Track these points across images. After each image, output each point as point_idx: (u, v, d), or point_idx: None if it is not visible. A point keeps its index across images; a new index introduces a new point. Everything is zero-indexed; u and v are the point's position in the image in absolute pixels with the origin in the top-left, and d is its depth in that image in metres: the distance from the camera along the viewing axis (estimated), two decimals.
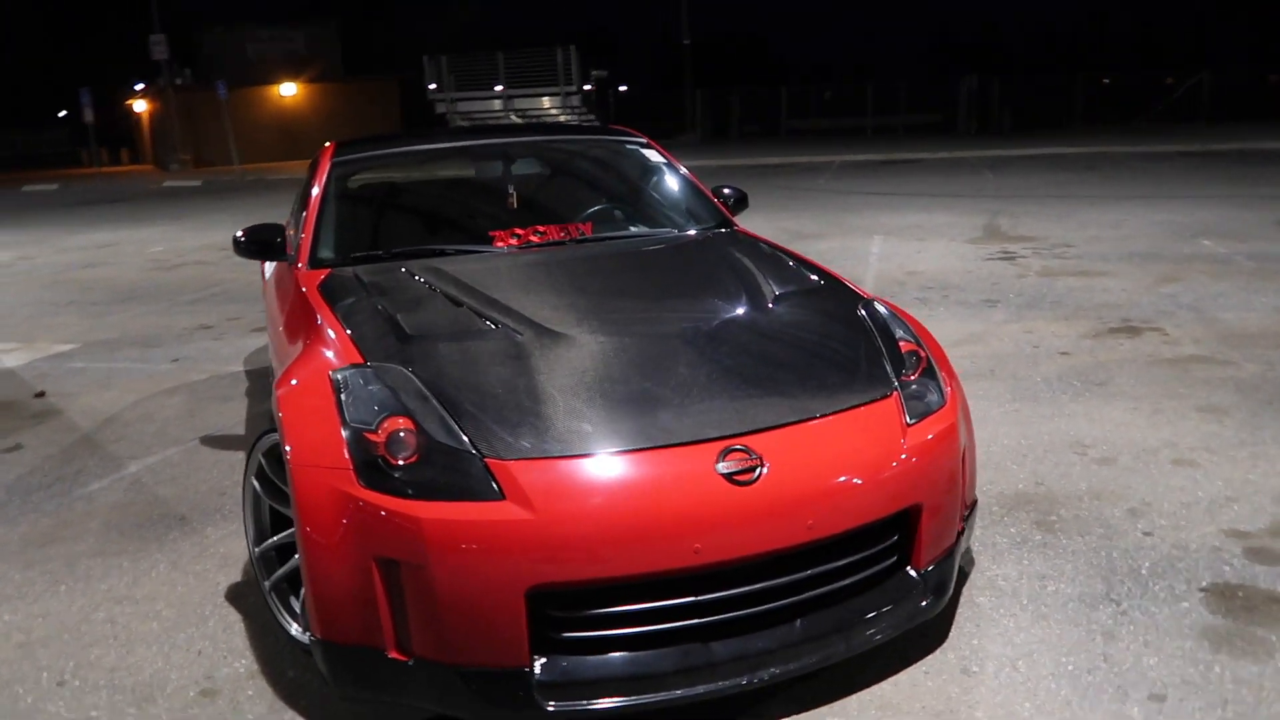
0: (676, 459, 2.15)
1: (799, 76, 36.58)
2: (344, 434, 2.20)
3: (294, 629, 2.50)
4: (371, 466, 2.14)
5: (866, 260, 8.43)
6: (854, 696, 2.31)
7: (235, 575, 3.08)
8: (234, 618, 2.84)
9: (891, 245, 9.20)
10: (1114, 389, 4.54)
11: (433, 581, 2.04)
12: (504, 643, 2.06)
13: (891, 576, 2.40)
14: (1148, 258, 7.88)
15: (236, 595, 2.96)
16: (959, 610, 2.67)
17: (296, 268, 3.32)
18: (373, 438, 2.17)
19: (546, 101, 32.96)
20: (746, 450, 2.17)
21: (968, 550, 3.00)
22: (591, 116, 33.74)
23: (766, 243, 3.47)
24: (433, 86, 32.17)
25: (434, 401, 2.25)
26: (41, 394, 5.40)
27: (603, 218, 3.70)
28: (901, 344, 2.64)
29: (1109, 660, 2.41)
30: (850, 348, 2.62)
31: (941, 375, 2.64)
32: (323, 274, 3.16)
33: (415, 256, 3.28)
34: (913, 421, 2.40)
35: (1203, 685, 2.30)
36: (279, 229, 3.49)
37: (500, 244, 3.37)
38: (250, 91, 34.46)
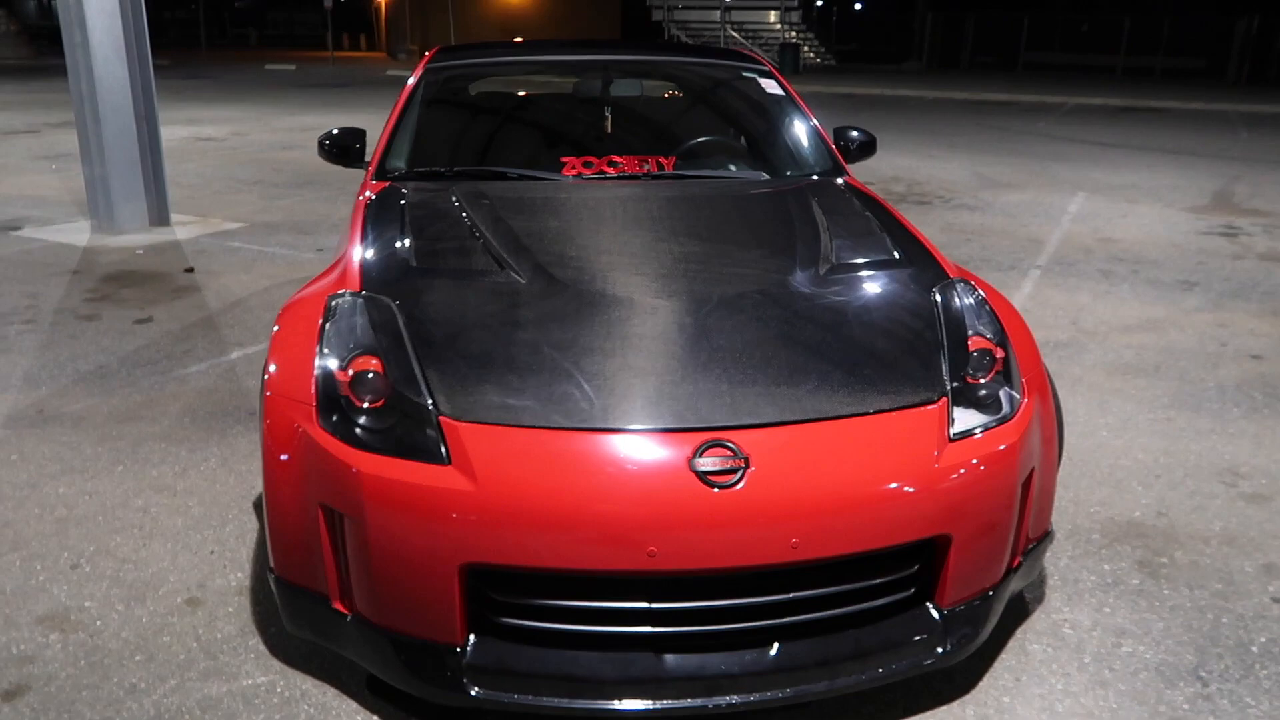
0: (645, 447, 1.87)
1: (1050, 3, 33.14)
2: (316, 365, 2.07)
3: None
4: (333, 405, 2.00)
5: (1058, 220, 7.56)
6: None
7: None
8: (251, 525, 2.84)
9: (1094, 205, 8.22)
10: None
11: (367, 539, 1.89)
12: (435, 616, 1.90)
13: (905, 611, 2.04)
14: None
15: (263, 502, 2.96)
16: (1001, 656, 2.28)
17: (368, 177, 3.21)
18: (340, 375, 2.03)
19: (771, 16, 31.75)
20: (732, 448, 1.86)
21: (1039, 582, 2.57)
22: (812, 35, 32.29)
23: (867, 197, 3.03)
24: None
25: (407, 344, 2.07)
26: (190, 270, 5.69)
27: (692, 153, 3.35)
28: (973, 340, 2.21)
29: None
30: (901, 338, 2.21)
31: (1021, 383, 2.20)
32: (380, 187, 3.02)
33: (477, 177, 3.09)
34: (958, 436, 2.01)
35: None
36: (360, 134, 3.39)
37: (570, 172, 3.12)
38: None
